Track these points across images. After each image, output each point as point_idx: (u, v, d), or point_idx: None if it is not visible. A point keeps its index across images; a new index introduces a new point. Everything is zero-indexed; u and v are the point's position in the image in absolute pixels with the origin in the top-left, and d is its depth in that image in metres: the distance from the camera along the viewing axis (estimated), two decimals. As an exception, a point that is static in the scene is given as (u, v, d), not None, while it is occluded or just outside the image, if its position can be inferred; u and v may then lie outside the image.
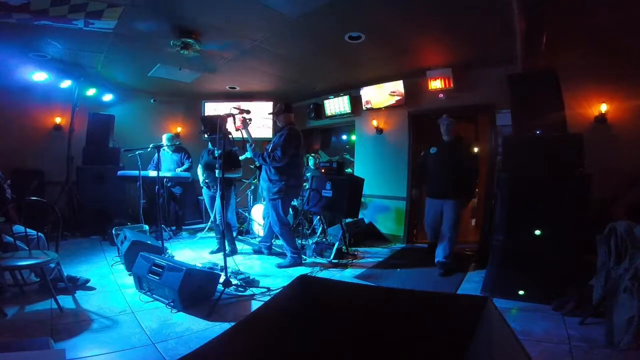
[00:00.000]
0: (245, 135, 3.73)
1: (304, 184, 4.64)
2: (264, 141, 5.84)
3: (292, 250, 3.79)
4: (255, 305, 2.77)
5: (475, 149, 4.65)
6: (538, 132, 3.06)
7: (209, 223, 4.37)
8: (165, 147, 5.11)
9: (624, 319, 2.03)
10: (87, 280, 2.98)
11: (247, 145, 3.76)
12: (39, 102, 5.09)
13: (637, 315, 1.99)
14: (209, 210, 4.45)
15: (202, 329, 2.32)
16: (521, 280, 2.78)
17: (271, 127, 6.30)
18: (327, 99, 5.96)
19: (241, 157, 4.42)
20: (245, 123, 3.65)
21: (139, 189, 4.23)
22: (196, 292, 2.65)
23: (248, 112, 3.37)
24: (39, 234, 2.75)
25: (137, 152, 4.04)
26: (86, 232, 4.92)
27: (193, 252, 4.36)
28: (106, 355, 1.95)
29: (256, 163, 3.81)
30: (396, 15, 3.15)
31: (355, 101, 5.61)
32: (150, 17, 3.23)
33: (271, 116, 5.16)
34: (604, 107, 3.62)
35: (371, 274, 3.64)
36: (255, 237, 5.05)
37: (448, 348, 0.96)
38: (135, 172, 4.19)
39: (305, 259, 4.00)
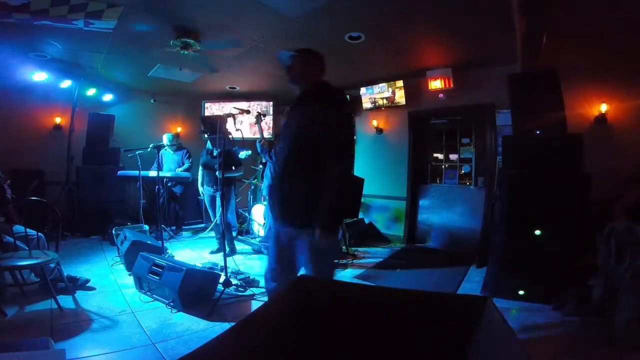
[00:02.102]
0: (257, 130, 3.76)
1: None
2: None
3: (292, 250, 3.78)
4: (255, 305, 2.77)
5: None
6: (538, 132, 3.06)
7: (212, 225, 4.37)
8: (167, 147, 5.11)
9: (624, 319, 2.03)
10: (87, 280, 2.98)
11: (257, 141, 3.78)
12: (39, 102, 5.09)
13: (637, 315, 1.99)
14: (209, 210, 4.42)
15: (202, 329, 2.32)
16: (521, 280, 2.78)
17: (271, 128, 6.30)
18: (327, 99, 5.95)
19: (242, 156, 4.42)
20: (259, 118, 3.68)
21: (139, 189, 4.23)
22: (196, 292, 2.65)
23: (248, 112, 3.38)
24: (39, 234, 2.75)
25: (137, 152, 4.04)
26: (86, 232, 4.92)
27: (193, 252, 4.36)
28: (106, 355, 1.95)
29: (262, 159, 3.83)
30: (396, 15, 3.15)
31: (356, 101, 5.60)
32: (150, 17, 3.23)
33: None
34: (604, 107, 3.62)
35: (371, 274, 3.64)
36: (255, 237, 5.04)
37: (448, 348, 0.96)
38: (135, 172, 4.19)
39: (305, 259, 4.00)
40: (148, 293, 2.81)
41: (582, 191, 2.71)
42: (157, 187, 3.99)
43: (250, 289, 2.96)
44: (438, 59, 4.30)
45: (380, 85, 5.17)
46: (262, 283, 3.10)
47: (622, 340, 2.01)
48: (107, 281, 3.16)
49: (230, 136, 3.60)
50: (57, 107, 5.31)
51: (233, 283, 2.94)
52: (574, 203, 2.70)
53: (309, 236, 1.68)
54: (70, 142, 5.17)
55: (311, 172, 1.69)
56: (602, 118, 3.62)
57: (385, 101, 5.18)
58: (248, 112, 3.39)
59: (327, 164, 1.67)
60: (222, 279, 2.80)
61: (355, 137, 1.76)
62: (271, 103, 6.29)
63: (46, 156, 5.14)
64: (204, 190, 4.30)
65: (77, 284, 2.89)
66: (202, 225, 5.70)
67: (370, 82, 5.23)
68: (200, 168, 4.33)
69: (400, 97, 5.01)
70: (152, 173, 4.36)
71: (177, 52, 3.78)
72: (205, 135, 3.92)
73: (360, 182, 4.38)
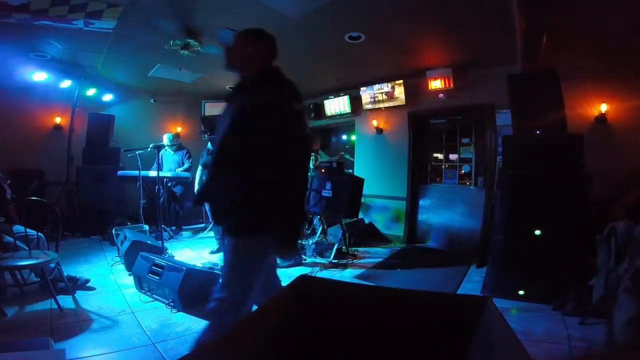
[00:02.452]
0: None
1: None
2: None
3: (292, 251, 3.78)
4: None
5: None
6: (538, 132, 3.06)
7: (210, 225, 4.37)
8: (167, 147, 5.12)
9: (624, 319, 2.03)
10: (87, 280, 2.98)
11: None
12: (39, 102, 5.09)
13: (637, 315, 1.99)
14: (208, 211, 4.42)
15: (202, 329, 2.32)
16: (521, 280, 2.78)
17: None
18: (327, 99, 5.96)
19: None
20: None
21: (139, 189, 4.23)
22: (196, 292, 2.64)
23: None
24: (39, 234, 2.75)
25: (137, 152, 4.04)
26: (86, 232, 4.92)
27: (193, 252, 4.36)
28: (106, 355, 1.95)
29: None
30: (396, 15, 3.15)
31: (355, 101, 5.60)
32: (150, 17, 3.23)
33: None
34: (604, 107, 3.62)
35: (371, 274, 3.64)
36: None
37: (448, 348, 0.96)
38: (135, 172, 4.19)
39: (305, 259, 4.00)
40: (148, 293, 2.81)
41: (582, 191, 2.71)
42: (157, 187, 3.99)
43: (250, 289, 2.96)
44: (438, 59, 4.30)
45: (381, 84, 5.18)
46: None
47: (622, 340, 2.01)
48: (107, 281, 3.16)
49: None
50: (57, 107, 5.31)
51: (233, 283, 2.94)
52: (574, 203, 2.70)
53: (232, 240, 1.48)
54: (70, 142, 5.17)
55: (240, 172, 1.43)
56: (602, 118, 3.62)
57: (384, 96, 5.18)
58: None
59: (249, 164, 1.41)
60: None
61: (301, 138, 1.49)
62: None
63: (46, 156, 5.14)
64: None
65: (77, 284, 2.88)
66: (202, 225, 5.70)
67: (370, 82, 5.24)
68: (199, 169, 4.33)
69: (399, 93, 5.00)
70: (152, 173, 4.36)
71: (177, 52, 3.78)
72: (206, 136, 3.92)
73: (360, 182, 4.38)
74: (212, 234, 4.84)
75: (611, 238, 2.29)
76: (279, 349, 1.00)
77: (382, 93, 5.19)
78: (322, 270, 3.69)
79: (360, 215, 5.18)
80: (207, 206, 1.46)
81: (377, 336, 1.04)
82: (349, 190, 4.16)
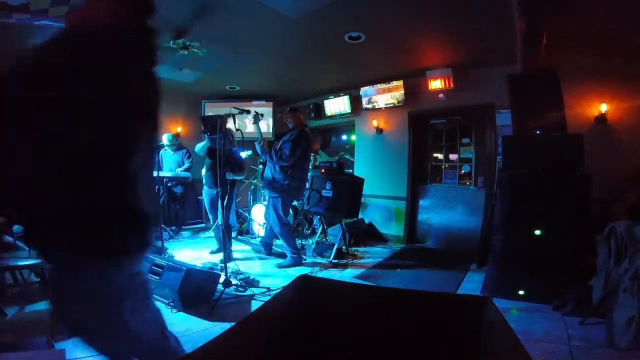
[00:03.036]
0: (255, 130, 3.78)
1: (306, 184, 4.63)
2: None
3: (292, 250, 3.79)
4: (255, 305, 2.77)
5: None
6: (538, 132, 3.06)
7: (212, 226, 4.34)
8: (166, 147, 5.12)
9: (624, 319, 2.03)
10: (87, 280, 2.97)
11: (256, 141, 3.79)
12: (39, 102, 5.09)
13: (637, 315, 1.99)
14: (208, 212, 4.37)
15: (202, 329, 2.32)
16: (521, 280, 2.78)
17: (270, 127, 6.30)
18: (327, 99, 5.96)
19: (243, 156, 4.41)
20: (257, 118, 3.68)
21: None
22: (196, 292, 2.65)
23: (248, 112, 3.39)
24: (39, 234, 2.74)
25: (137, 152, 4.02)
26: (86, 232, 4.92)
27: (193, 252, 4.35)
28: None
29: (261, 159, 3.82)
30: (396, 15, 3.15)
31: (355, 101, 5.61)
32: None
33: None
34: (604, 107, 3.62)
35: (371, 274, 3.64)
36: (255, 237, 5.05)
37: (448, 348, 0.96)
38: (135, 172, 4.17)
39: (305, 259, 4.00)
40: (148, 293, 2.81)
41: (582, 191, 2.71)
42: (157, 187, 3.99)
43: (250, 289, 2.96)
44: (438, 59, 4.30)
45: (381, 84, 5.18)
46: (261, 283, 3.11)
47: (622, 340, 2.01)
48: (107, 281, 3.15)
49: (230, 136, 3.59)
50: (57, 107, 5.31)
51: (233, 283, 2.94)
52: (574, 203, 2.70)
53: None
54: (70, 142, 5.17)
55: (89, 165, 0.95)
56: (602, 118, 3.62)
57: (382, 85, 5.17)
58: (248, 112, 3.40)
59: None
60: (222, 279, 2.79)
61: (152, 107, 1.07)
62: (271, 103, 6.30)
63: (46, 156, 5.14)
64: (205, 191, 4.29)
65: (77, 284, 2.88)
66: (202, 225, 5.70)
67: (370, 82, 5.24)
68: (205, 166, 4.24)
69: (397, 83, 5.00)
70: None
71: (177, 52, 3.78)
72: (206, 136, 3.91)
73: (360, 182, 4.38)
74: (212, 234, 4.84)
75: (611, 238, 2.29)
76: (280, 348, 1.00)
77: (381, 84, 5.20)
78: (322, 270, 3.69)
79: (360, 215, 5.18)
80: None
81: (377, 336, 1.04)
82: (349, 190, 4.16)
